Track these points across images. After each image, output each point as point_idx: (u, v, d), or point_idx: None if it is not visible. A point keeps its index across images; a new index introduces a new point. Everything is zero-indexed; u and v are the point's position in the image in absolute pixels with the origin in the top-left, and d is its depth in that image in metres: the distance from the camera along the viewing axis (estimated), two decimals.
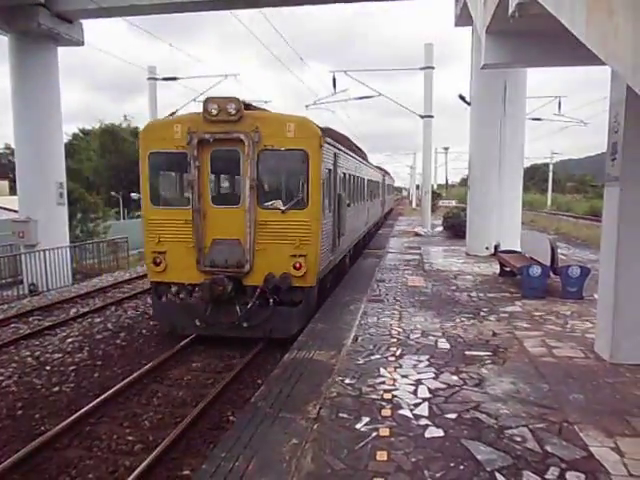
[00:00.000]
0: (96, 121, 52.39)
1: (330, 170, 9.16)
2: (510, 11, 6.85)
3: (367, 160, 19.14)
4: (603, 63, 3.37)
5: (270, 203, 8.15)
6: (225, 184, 9.44)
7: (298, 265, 7.84)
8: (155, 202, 8.46)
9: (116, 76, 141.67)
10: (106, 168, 49.85)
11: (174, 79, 23.13)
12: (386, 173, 32.62)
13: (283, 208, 7.98)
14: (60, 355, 8.04)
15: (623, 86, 4.88)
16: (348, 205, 11.35)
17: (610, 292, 5.43)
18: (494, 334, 6.55)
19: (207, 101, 7.86)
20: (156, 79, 23.57)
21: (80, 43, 16.79)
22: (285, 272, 7.81)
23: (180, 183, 8.88)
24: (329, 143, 8.89)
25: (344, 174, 10.96)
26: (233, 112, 7.73)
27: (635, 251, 5.27)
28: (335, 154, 9.53)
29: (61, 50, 16.49)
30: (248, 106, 8.12)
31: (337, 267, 10.68)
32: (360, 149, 18.00)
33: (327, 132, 9.28)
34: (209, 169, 8.15)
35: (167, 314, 8.56)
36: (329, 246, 9.19)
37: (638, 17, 2.77)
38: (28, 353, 8.12)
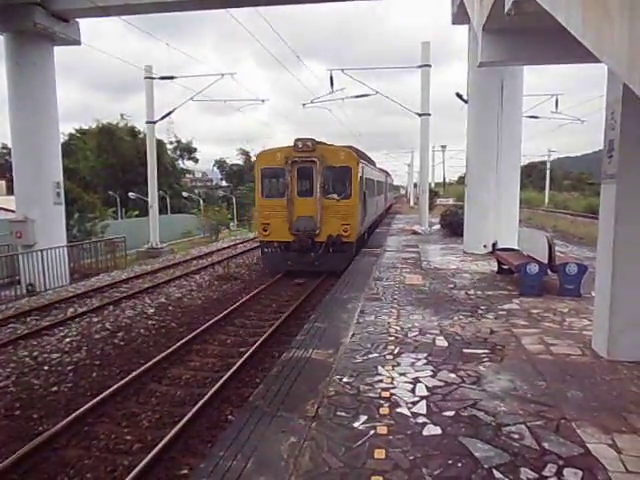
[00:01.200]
0: (93, 120, 52.18)
1: (360, 177, 14.64)
2: (506, 9, 6.84)
3: (375, 165, 26.03)
4: (599, 61, 3.37)
5: (330, 195, 14.04)
6: (305, 185, 14.49)
7: (345, 230, 13.86)
8: (264, 195, 14.48)
9: (113, 75, 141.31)
10: (103, 167, 49.65)
11: (171, 78, 23.04)
12: (388, 174, 38.90)
13: (338, 198, 14.01)
14: (58, 355, 8.04)
15: (619, 84, 4.88)
16: (367, 198, 16.74)
17: (607, 289, 5.43)
18: (492, 332, 6.56)
19: (296, 140, 13.86)
20: (153, 78, 23.44)
21: (77, 42, 16.72)
22: (339, 233, 13.83)
23: (278, 185, 14.43)
24: (360, 161, 14.67)
25: (366, 178, 16.29)
26: (310, 146, 13.83)
27: (632, 248, 5.27)
28: (363, 167, 15.29)
29: (58, 49, 16.42)
30: (318, 142, 14.08)
31: (362, 236, 16.83)
32: (371, 159, 24.73)
33: (358, 153, 15.77)
34: (296, 176, 14.05)
35: (270, 260, 14.74)
36: (360, 221, 15.03)
37: (634, 15, 2.76)
38: (26, 353, 8.11)
